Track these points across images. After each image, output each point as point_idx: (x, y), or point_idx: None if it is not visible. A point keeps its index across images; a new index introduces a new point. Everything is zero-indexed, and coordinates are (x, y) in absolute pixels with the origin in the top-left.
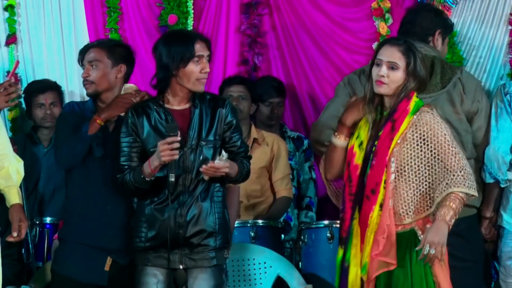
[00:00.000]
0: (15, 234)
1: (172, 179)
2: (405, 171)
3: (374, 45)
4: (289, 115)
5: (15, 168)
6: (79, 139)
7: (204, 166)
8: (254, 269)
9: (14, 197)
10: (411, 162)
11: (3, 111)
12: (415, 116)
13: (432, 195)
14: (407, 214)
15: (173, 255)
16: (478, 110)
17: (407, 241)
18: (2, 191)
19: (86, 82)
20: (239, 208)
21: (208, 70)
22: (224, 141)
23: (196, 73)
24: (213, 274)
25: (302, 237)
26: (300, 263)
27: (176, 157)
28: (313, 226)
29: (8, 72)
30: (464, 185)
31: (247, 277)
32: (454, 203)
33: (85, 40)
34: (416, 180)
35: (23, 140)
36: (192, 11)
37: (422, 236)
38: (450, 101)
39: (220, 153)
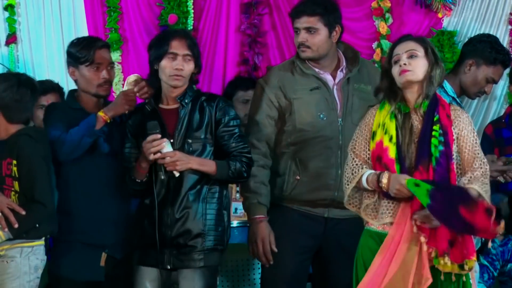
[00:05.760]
0: None
1: (163, 177)
2: None
3: (374, 45)
4: None
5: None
6: (88, 132)
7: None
8: (253, 269)
9: None
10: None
11: None
12: (452, 112)
13: None
14: None
15: (162, 255)
16: None
17: None
18: None
19: (107, 84)
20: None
21: (179, 67)
22: (216, 140)
23: (169, 68)
24: (202, 275)
25: None
26: None
27: (158, 155)
28: None
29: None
30: (482, 193)
31: (247, 277)
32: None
33: None
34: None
35: None
36: (192, 10)
37: None
38: None
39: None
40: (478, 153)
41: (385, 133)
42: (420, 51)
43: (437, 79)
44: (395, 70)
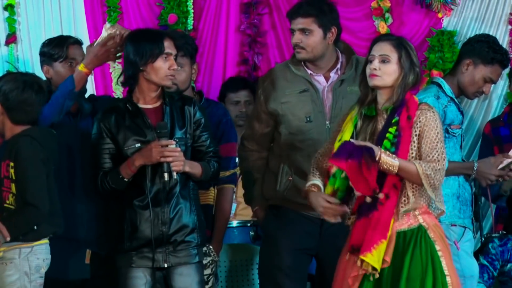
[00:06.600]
0: None
1: (167, 179)
2: None
3: None
4: None
5: None
6: (68, 96)
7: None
8: (253, 269)
9: None
10: (409, 157)
11: None
12: (417, 112)
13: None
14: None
15: (157, 254)
16: None
17: (415, 238)
18: None
19: None
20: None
21: (175, 67)
22: (193, 140)
23: (165, 69)
24: (197, 270)
25: None
26: None
27: (170, 159)
28: None
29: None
30: (429, 175)
31: (247, 277)
32: (409, 164)
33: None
34: None
35: None
36: (192, 10)
37: (431, 232)
38: None
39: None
40: (436, 146)
41: (339, 140)
42: (393, 57)
43: (408, 84)
44: (367, 71)
